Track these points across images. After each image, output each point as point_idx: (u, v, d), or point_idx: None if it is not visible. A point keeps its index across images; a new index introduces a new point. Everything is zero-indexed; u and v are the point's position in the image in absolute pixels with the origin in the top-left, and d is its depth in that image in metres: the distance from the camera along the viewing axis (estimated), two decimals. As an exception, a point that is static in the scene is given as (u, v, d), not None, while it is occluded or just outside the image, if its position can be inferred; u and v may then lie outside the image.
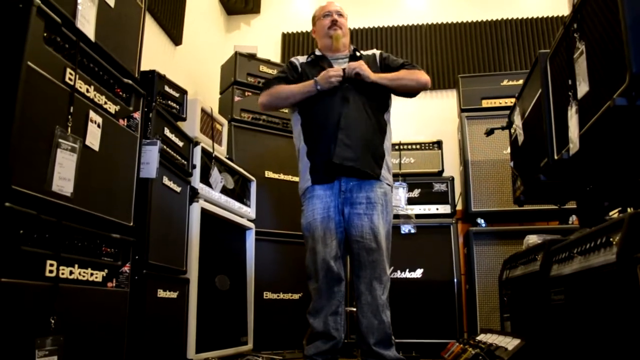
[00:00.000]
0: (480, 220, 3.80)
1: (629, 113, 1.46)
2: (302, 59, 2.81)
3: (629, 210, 2.47)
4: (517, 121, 2.73)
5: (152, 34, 3.73)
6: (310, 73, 2.66)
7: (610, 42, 1.56)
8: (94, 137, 1.69)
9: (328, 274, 2.43)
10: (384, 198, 2.51)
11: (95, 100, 1.72)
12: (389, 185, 2.58)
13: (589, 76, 1.70)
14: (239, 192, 3.36)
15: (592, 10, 1.74)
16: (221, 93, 4.15)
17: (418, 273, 3.75)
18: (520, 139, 2.69)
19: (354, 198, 2.47)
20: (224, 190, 3.13)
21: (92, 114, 1.68)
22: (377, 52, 2.81)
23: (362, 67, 2.55)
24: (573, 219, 3.59)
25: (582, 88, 1.74)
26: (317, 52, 2.79)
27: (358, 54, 2.77)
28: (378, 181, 2.51)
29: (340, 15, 2.78)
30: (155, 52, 3.72)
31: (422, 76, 2.64)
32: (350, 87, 2.56)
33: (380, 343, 2.38)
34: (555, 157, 2.06)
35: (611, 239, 1.29)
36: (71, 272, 1.58)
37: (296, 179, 3.82)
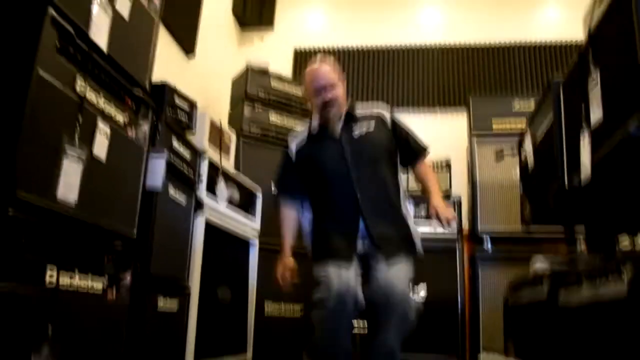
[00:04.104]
0: (487, 242, 3.76)
1: (643, 144, 1.44)
2: (298, 139, 2.53)
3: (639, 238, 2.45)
4: (528, 145, 2.70)
5: (165, 45, 3.75)
6: (318, 152, 2.44)
7: (625, 71, 1.54)
8: (101, 147, 1.69)
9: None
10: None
11: (104, 110, 1.72)
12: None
13: (603, 104, 1.68)
14: (244, 205, 3.34)
15: (607, 38, 1.73)
16: (231, 106, 4.15)
17: (422, 294, 3.71)
18: (531, 163, 2.66)
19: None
20: (230, 203, 3.11)
21: (100, 124, 1.68)
22: (387, 115, 2.50)
23: (447, 213, 2.30)
24: (581, 243, 3.54)
25: (596, 116, 1.72)
26: (315, 124, 2.49)
27: (359, 114, 2.46)
28: None
29: (332, 86, 2.39)
30: (167, 62, 3.73)
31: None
32: (354, 162, 2.33)
33: None
34: (566, 184, 2.04)
35: (621, 271, 1.26)
36: (71, 281, 1.57)
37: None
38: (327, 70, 2.44)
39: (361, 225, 2.27)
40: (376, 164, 2.36)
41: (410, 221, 2.40)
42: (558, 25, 5.07)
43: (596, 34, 1.81)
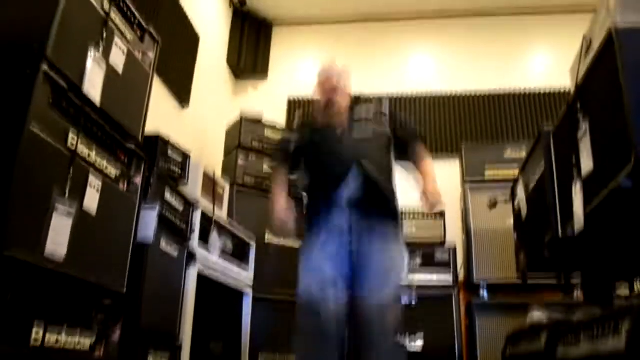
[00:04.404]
0: (483, 291, 3.72)
1: (635, 194, 1.45)
2: (302, 122, 2.81)
3: (635, 284, 2.42)
4: (521, 194, 2.71)
5: (160, 95, 3.79)
6: (312, 132, 2.61)
7: (614, 121, 1.56)
8: (91, 201, 1.67)
9: None
10: None
11: (96, 164, 1.72)
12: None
13: (594, 154, 1.69)
14: (237, 256, 3.31)
15: (595, 89, 1.76)
16: (225, 155, 4.17)
17: (418, 344, 3.64)
18: (524, 212, 2.66)
19: None
20: (223, 254, 3.08)
21: (91, 178, 1.67)
22: (386, 103, 2.66)
23: (437, 200, 2.40)
24: (578, 291, 3.51)
25: (587, 166, 1.73)
26: (318, 112, 2.70)
27: (362, 99, 2.66)
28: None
29: (336, 90, 2.56)
30: (161, 113, 3.76)
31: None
32: (350, 144, 2.46)
33: None
34: (560, 234, 2.03)
35: (619, 326, 1.24)
36: (57, 339, 1.53)
37: (297, 243, 3.80)
38: (337, 69, 2.64)
39: (356, 193, 2.34)
40: (373, 142, 2.47)
41: (397, 203, 2.48)
42: (548, 73, 5.17)
43: (584, 85, 1.83)
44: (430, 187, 2.40)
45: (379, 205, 2.36)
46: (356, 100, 2.64)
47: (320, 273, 2.24)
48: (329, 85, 2.58)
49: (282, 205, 2.47)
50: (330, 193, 2.37)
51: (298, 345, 2.30)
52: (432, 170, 2.51)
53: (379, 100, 2.68)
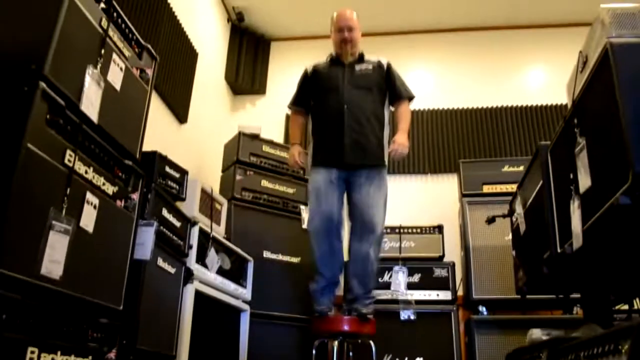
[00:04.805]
0: (482, 308, 3.69)
1: (633, 212, 1.44)
2: (319, 62, 3.33)
3: (635, 303, 2.40)
4: (519, 210, 2.70)
5: (158, 112, 3.79)
6: (327, 73, 3.24)
7: (611, 138, 1.56)
8: (89, 219, 1.67)
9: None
10: None
11: (94, 181, 1.71)
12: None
13: (591, 171, 1.69)
14: (235, 273, 3.29)
15: (591, 105, 1.76)
16: (223, 171, 4.16)
17: (417, 364, 3.62)
18: (522, 228, 2.65)
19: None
20: (220, 271, 3.06)
21: (88, 196, 1.66)
22: (385, 62, 3.27)
23: (403, 149, 3.08)
24: (577, 308, 3.49)
25: (584, 182, 1.73)
26: (333, 55, 3.30)
27: (365, 58, 3.26)
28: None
29: (351, 29, 3.19)
30: (159, 129, 3.77)
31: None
32: (349, 86, 3.10)
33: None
34: (558, 251, 2.02)
35: (620, 347, 1.23)
36: (53, 359, 1.51)
37: (295, 259, 3.80)
38: (352, 16, 3.25)
39: (345, 136, 2.99)
40: (366, 92, 3.12)
41: (385, 141, 3.13)
42: (546, 87, 5.18)
43: (580, 101, 1.84)
44: (399, 138, 3.07)
45: (365, 151, 3.02)
46: (360, 57, 3.24)
47: (324, 200, 3.00)
48: (344, 23, 3.20)
49: (295, 148, 3.26)
50: (328, 140, 3.06)
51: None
52: (407, 126, 3.18)
53: (379, 63, 3.25)
